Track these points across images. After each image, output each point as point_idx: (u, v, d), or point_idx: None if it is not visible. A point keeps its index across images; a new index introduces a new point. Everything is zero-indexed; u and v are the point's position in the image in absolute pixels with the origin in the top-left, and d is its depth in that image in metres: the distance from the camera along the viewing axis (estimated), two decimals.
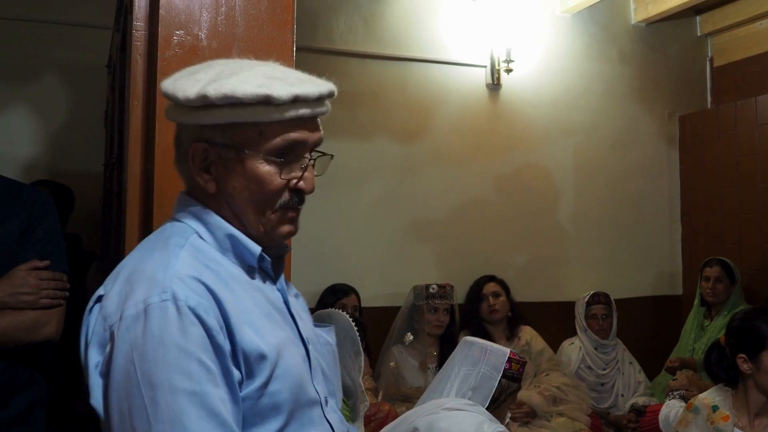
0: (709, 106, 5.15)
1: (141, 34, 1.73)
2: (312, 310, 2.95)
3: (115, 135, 2.60)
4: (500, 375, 2.21)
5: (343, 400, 2.50)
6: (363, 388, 2.69)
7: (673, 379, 3.46)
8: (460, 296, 4.27)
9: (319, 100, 1.18)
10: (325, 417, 1.22)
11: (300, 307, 1.32)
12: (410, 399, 3.56)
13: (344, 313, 2.72)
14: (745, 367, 2.45)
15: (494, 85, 4.57)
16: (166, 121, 1.58)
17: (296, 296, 1.35)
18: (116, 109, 2.63)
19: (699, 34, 5.21)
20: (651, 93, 5.05)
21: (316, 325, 1.37)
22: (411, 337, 3.92)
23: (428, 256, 4.41)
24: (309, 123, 1.19)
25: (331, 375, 1.31)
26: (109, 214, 2.95)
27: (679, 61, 5.15)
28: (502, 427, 2.10)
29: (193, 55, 1.61)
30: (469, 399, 2.19)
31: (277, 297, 1.24)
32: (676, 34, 5.15)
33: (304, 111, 1.16)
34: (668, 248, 5.07)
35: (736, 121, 4.68)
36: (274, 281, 1.26)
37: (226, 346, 1.07)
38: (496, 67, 4.54)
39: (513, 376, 2.25)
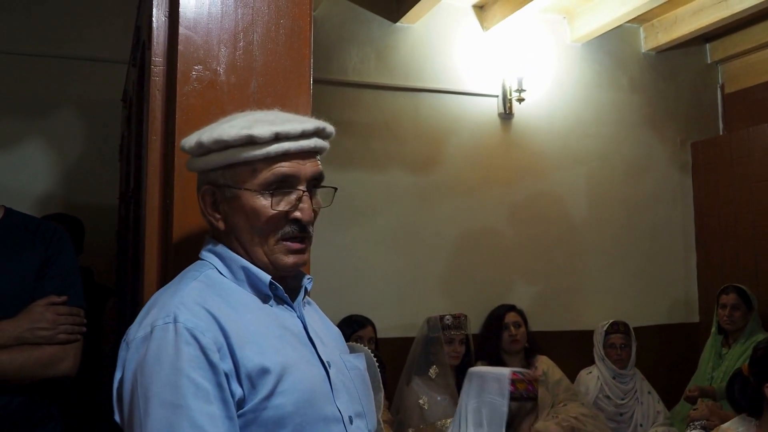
0: (721, 133, 5.14)
1: (159, 69, 1.74)
2: None
3: (131, 168, 2.61)
4: (507, 400, 2.17)
5: None
6: (382, 426, 2.67)
7: (694, 409, 3.40)
8: (474, 326, 4.24)
9: (303, 135, 1.30)
10: None
11: (325, 334, 1.42)
12: None
13: (367, 348, 2.70)
14: None
15: (506, 115, 4.59)
16: (185, 155, 1.60)
17: (322, 322, 1.46)
18: (132, 143, 2.64)
19: (709, 62, 5.22)
20: (663, 121, 5.05)
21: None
22: (437, 370, 3.89)
23: (442, 286, 4.39)
24: (299, 157, 1.31)
25: (361, 397, 1.39)
26: (124, 247, 2.95)
27: (690, 89, 5.16)
28: None
29: (212, 89, 1.62)
30: (476, 428, 2.17)
31: (295, 323, 1.34)
32: (686, 62, 5.16)
33: (288, 145, 1.28)
34: (683, 276, 5.03)
35: (750, 148, 4.66)
36: (293, 308, 1.36)
37: (223, 365, 1.17)
38: (508, 97, 4.56)
39: (523, 395, 2.20)
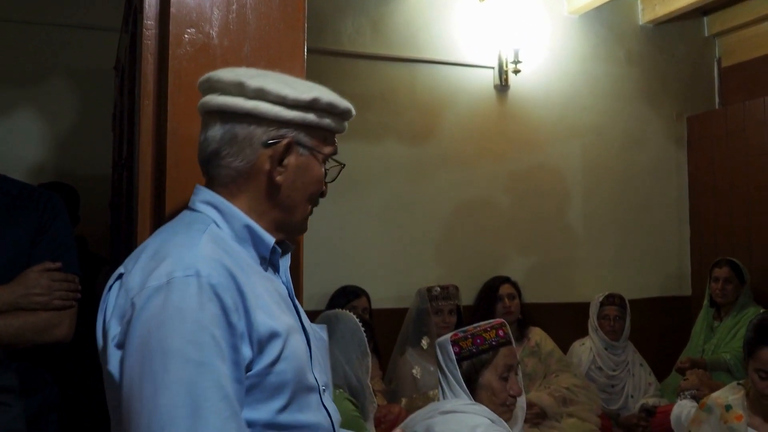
0: (717, 107, 5.13)
1: (152, 33, 1.72)
2: (321, 312, 2.96)
3: (125, 136, 2.60)
4: (455, 362, 2.19)
5: (350, 400, 2.49)
6: (371, 390, 2.68)
7: (684, 379, 3.43)
8: (469, 297, 4.26)
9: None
10: (323, 404, 1.30)
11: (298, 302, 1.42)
12: None
13: (351, 314, 2.71)
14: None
15: (502, 86, 4.57)
16: (177, 119, 1.60)
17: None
18: (125, 111, 2.63)
19: (707, 35, 5.20)
20: (659, 94, 5.04)
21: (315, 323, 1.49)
22: (428, 341, 3.91)
23: (437, 258, 4.40)
24: None
25: (325, 368, 1.41)
26: (118, 216, 2.95)
27: (686, 62, 5.14)
28: (499, 431, 2.07)
29: (205, 53, 1.61)
30: (453, 397, 2.18)
31: (283, 289, 1.34)
32: (683, 35, 5.14)
33: (347, 125, 1.37)
34: (677, 249, 5.05)
35: (745, 122, 4.66)
36: (278, 274, 1.36)
37: (240, 326, 1.14)
38: (504, 68, 4.54)
39: (472, 352, 2.20)
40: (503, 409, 2.19)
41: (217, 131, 1.29)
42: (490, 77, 4.57)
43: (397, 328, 4.03)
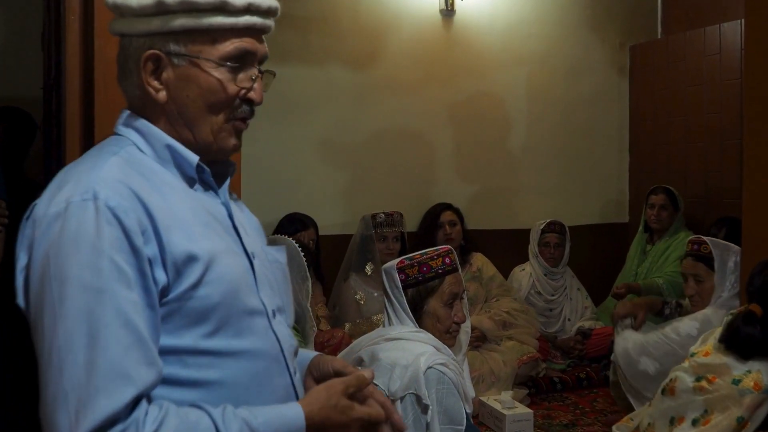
0: (659, 37, 5.15)
1: None
2: None
3: (53, 56, 2.49)
4: (401, 289, 2.20)
5: (294, 327, 2.50)
6: (311, 313, 2.71)
7: (615, 306, 3.50)
8: (413, 224, 4.29)
9: (269, 13, 1.23)
10: (272, 328, 1.24)
11: (247, 223, 1.33)
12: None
13: (290, 239, 2.70)
14: None
15: (448, 11, 4.50)
16: (106, 35, 1.52)
17: (242, 211, 1.36)
18: (53, 29, 2.51)
19: None
20: (604, 22, 5.03)
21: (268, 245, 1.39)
22: (372, 267, 3.94)
23: (381, 184, 4.41)
24: (258, 35, 1.23)
25: (280, 291, 1.32)
26: (50, 138, 2.85)
27: None
28: (443, 359, 2.08)
29: None
30: (398, 323, 2.19)
31: (220, 210, 1.26)
32: None
33: (256, 20, 1.20)
34: (616, 177, 5.15)
35: (685, 52, 4.69)
36: (217, 194, 1.28)
37: (146, 249, 1.08)
38: None
39: (418, 280, 2.20)
40: (447, 336, 2.22)
41: None
42: (435, 2, 4.49)
43: (342, 254, 4.05)
